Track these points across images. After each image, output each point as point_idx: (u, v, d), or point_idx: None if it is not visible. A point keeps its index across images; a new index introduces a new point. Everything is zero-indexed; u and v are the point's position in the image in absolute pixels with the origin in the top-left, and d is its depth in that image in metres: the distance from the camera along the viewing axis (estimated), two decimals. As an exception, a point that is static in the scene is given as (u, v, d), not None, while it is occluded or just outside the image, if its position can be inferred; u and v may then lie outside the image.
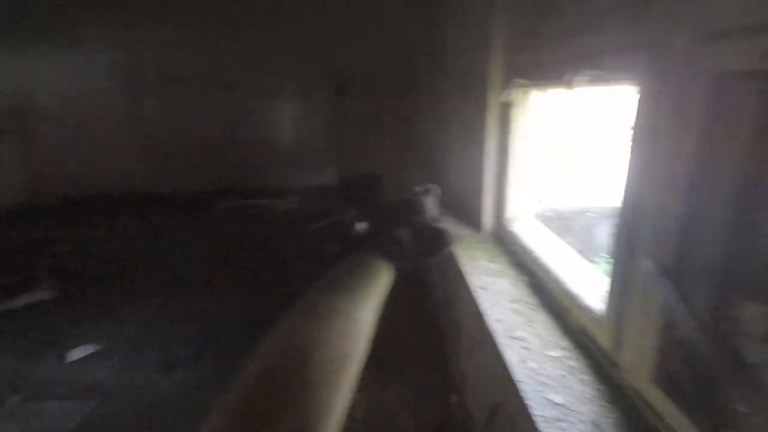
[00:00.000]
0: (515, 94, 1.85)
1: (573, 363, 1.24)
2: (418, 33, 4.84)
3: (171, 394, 2.67)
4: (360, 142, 6.03)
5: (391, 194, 5.47)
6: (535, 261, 1.67)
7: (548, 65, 1.42)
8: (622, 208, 1.07)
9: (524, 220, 2.02)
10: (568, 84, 1.13)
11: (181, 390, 2.71)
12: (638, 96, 0.97)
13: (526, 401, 1.12)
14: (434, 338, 3.02)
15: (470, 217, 2.47)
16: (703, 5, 0.79)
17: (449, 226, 2.46)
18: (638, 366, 1.03)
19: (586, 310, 1.30)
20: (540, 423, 1.04)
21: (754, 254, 0.83)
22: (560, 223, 4.81)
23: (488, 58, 1.94)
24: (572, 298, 1.38)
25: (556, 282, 1.49)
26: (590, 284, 1.39)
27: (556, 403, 1.10)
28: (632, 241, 1.04)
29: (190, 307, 3.65)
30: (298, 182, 6.21)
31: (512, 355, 1.30)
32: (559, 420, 1.04)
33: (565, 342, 1.34)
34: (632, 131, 0.99)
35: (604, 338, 1.18)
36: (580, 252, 1.71)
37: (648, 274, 0.94)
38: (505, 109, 1.94)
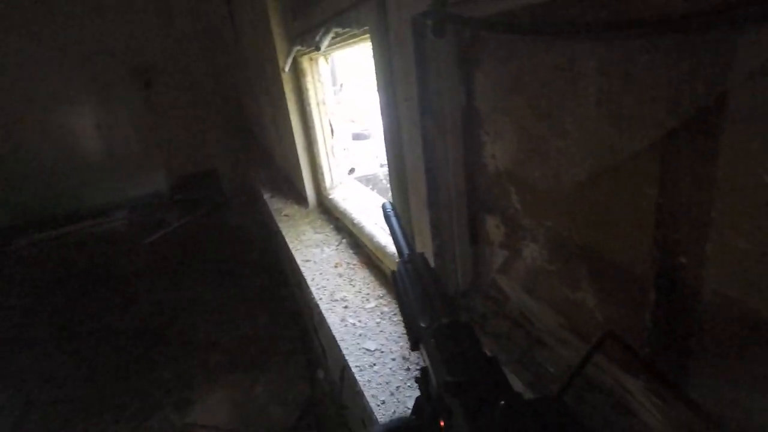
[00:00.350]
0: (302, 63, 1.84)
1: (386, 308, 1.31)
2: (222, 15, 4.54)
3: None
4: (184, 138, 5.51)
5: (229, 188, 5.19)
6: (352, 223, 1.73)
7: (311, 30, 1.42)
8: (386, 153, 1.13)
9: (341, 187, 2.07)
10: (317, 46, 1.15)
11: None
12: (372, 45, 1.01)
13: (347, 356, 1.17)
14: (294, 321, 3.00)
15: (298, 194, 2.45)
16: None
17: (280, 206, 2.42)
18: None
19: (392, 257, 1.38)
20: (357, 373, 1.09)
21: (481, 182, 0.95)
22: (375, 183, 5.08)
23: (270, 28, 1.89)
24: (383, 248, 1.45)
25: (368, 237, 1.55)
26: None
27: (371, 350, 1.16)
28: (401, 183, 1.12)
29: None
30: (121, 196, 5.48)
31: (334, 317, 1.34)
32: (373, 365, 1.10)
33: (381, 291, 1.42)
34: (375, 79, 1.04)
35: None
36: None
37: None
38: (298, 79, 1.92)
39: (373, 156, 7.02)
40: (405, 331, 1.14)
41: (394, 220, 0.85)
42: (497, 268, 0.95)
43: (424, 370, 0.65)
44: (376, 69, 1.05)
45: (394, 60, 0.98)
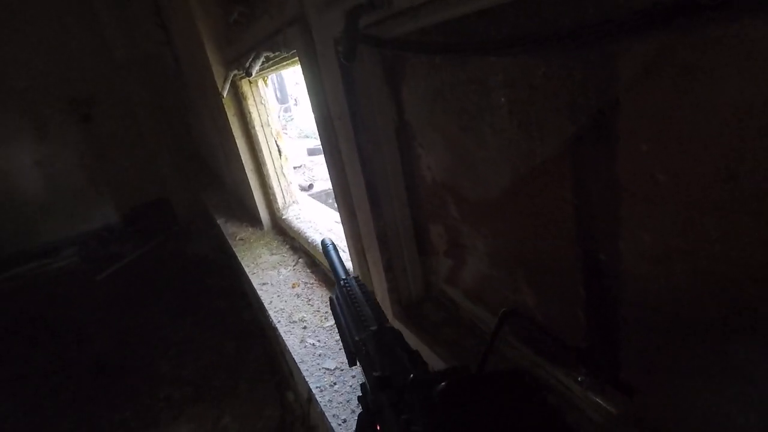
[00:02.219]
0: (242, 87, 1.83)
1: (344, 325, 1.31)
2: (159, 39, 4.44)
3: None
4: (131, 168, 5.32)
5: (182, 215, 5.04)
6: (307, 241, 1.72)
7: (245, 54, 1.42)
8: (330, 179, 1.14)
9: (294, 206, 2.06)
10: (248, 71, 1.15)
11: None
12: (302, 69, 1.02)
13: (307, 378, 1.16)
14: (260, 345, 2.94)
15: (252, 217, 2.42)
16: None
17: (235, 230, 2.38)
18: (385, 305, 1.14)
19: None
20: (317, 394, 1.08)
21: (421, 193, 0.97)
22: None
23: (206, 54, 1.86)
24: (337, 265, 1.45)
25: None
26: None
27: (331, 369, 1.15)
28: (347, 203, 1.13)
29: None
30: (69, 232, 5.22)
31: (293, 339, 1.32)
32: (333, 384, 1.10)
33: (340, 308, 1.41)
34: (310, 105, 1.05)
35: (361, 293, 1.27)
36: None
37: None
38: (239, 102, 1.91)
39: (324, 171, 6.98)
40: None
41: (331, 251, 0.88)
42: (444, 276, 0.97)
43: (363, 386, 0.66)
44: (308, 90, 1.06)
45: (324, 80, 0.99)
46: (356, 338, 0.65)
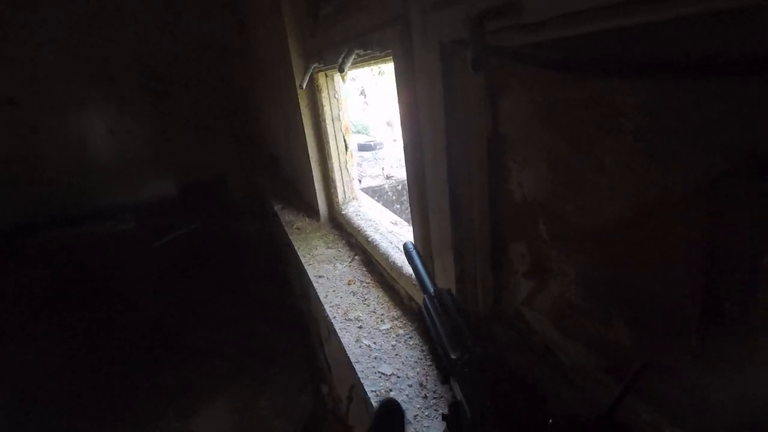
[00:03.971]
0: (318, 80, 1.84)
1: (401, 331, 1.29)
2: (232, 25, 4.59)
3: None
4: (194, 146, 5.54)
5: (237, 197, 5.20)
6: (366, 239, 1.71)
7: (333, 48, 1.42)
8: (407, 179, 1.12)
9: (353, 202, 2.06)
10: (341, 67, 1.14)
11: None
12: (395, 69, 1.01)
13: (362, 380, 1.14)
14: (299, 333, 2.98)
15: (309, 206, 2.45)
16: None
17: (291, 218, 2.42)
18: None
19: (408, 277, 1.36)
20: (373, 398, 1.07)
21: (506, 209, 0.93)
22: (393, 196, 5.07)
23: (287, 45, 1.89)
24: (398, 268, 1.44)
25: (383, 256, 1.54)
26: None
27: (387, 374, 1.13)
28: (422, 208, 1.11)
29: (6, 364, 3.04)
30: (131, 199, 5.51)
31: (349, 338, 1.32)
32: (389, 390, 1.08)
33: (396, 312, 1.40)
34: (397, 103, 1.04)
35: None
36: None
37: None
38: (313, 94, 1.92)
39: (379, 168, 7.00)
40: (431, 362, 1.12)
41: (416, 258, 0.86)
42: (522, 298, 0.94)
43: (454, 406, 0.63)
44: (398, 92, 1.04)
45: (418, 84, 0.97)
46: (453, 356, 0.62)
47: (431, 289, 0.79)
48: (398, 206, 4.70)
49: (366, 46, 1.13)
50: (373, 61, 1.22)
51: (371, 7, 1.10)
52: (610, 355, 0.74)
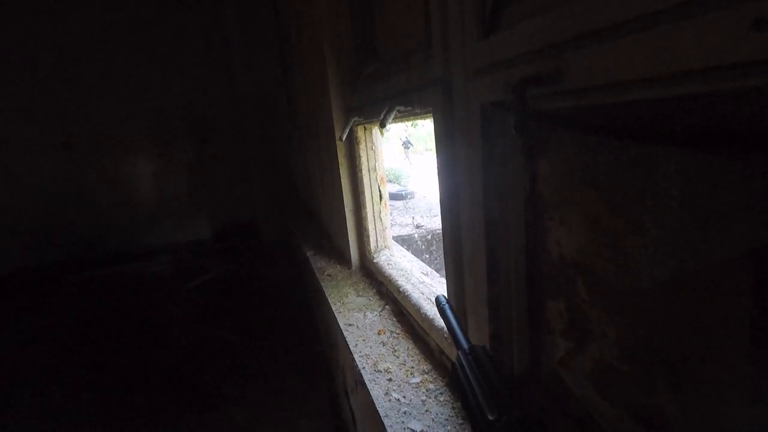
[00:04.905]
0: (357, 132, 1.93)
1: (432, 385, 1.27)
2: (276, 77, 4.87)
3: None
4: (229, 190, 5.78)
5: (268, 241, 5.31)
6: (397, 289, 1.72)
7: (373, 103, 1.50)
8: (443, 233, 1.14)
9: (385, 251, 2.08)
10: (383, 123, 1.20)
11: None
12: (435, 126, 1.05)
13: (390, 436, 1.12)
14: (325, 383, 2.93)
15: (340, 254, 2.48)
16: (464, 53, 0.90)
17: (323, 265, 2.45)
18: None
19: (439, 330, 1.35)
20: (402, 456, 1.04)
21: (544, 267, 0.93)
22: (439, 244, 5.06)
23: (329, 100, 2.00)
24: (429, 320, 1.43)
25: (414, 307, 1.53)
26: (442, 304, 1.46)
27: (416, 431, 1.10)
28: (457, 262, 1.12)
29: (37, 397, 3.10)
30: (167, 240, 5.72)
31: (378, 390, 1.30)
32: (419, 448, 1.05)
33: (427, 365, 1.38)
34: (436, 159, 1.07)
35: (454, 355, 1.23)
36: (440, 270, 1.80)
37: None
38: (351, 146, 2.00)
39: (409, 217, 7.04)
40: (463, 421, 1.09)
41: (449, 312, 0.87)
42: (559, 359, 0.91)
43: None
44: (437, 148, 1.08)
45: (457, 142, 1.01)
46: (490, 417, 0.62)
47: (465, 346, 0.79)
48: (427, 256, 4.69)
49: (407, 103, 1.20)
50: (412, 117, 1.27)
51: (412, 70, 1.17)
52: (652, 423, 0.71)
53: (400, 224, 6.63)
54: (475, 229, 0.98)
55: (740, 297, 0.54)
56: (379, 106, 1.36)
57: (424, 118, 1.21)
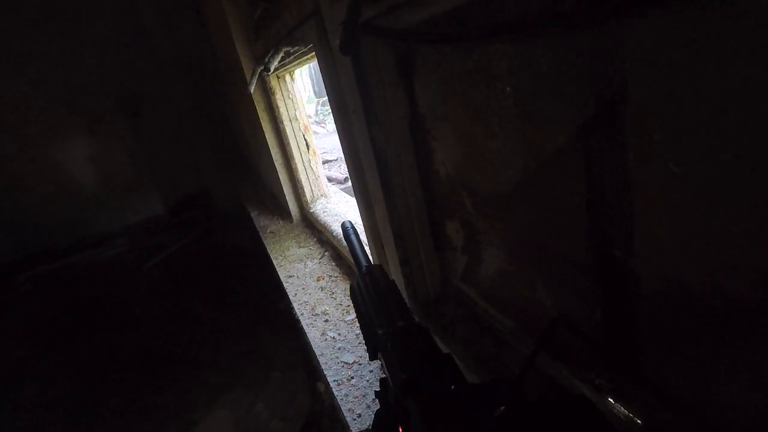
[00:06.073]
0: (270, 82, 1.85)
1: (365, 319, 1.31)
2: (198, 35, 4.56)
3: None
4: (175, 162, 5.54)
5: (222, 207, 5.21)
6: (332, 235, 1.73)
7: (268, 49, 1.42)
8: (348, 168, 1.13)
9: (322, 199, 2.07)
10: (267, 67, 1.15)
11: None
12: (318, 61, 1.02)
13: (325, 371, 1.16)
14: (293, 335, 2.99)
15: (282, 209, 2.46)
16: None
17: (266, 222, 2.43)
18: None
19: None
20: (335, 387, 1.09)
21: (437, 188, 0.94)
22: None
23: (235, 49, 1.89)
24: (360, 259, 1.44)
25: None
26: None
27: (349, 363, 1.15)
28: (364, 195, 1.12)
29: (10, 398, 3.08)
30: (119, 223, 5.52)
31: (315, 332, 1.34)
32: (351, 378, 1.10)
33: (362, 301, 1.41)
34: (327, 95, 1.05)
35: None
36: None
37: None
38: (268, 97, 1.93)
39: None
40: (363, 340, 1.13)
41: (352, 236, 0.87)
42: (462, 273, 0.95)
43: (383, 381, 0.65)
44: (325, 84, 1.05)
45: (339, 74, 0.98)
46: (380, 332, 0.63)
47: (363, 266, 0.80)
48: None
49: (293, 43, 1.14)
50: (304, 58, 1.22)
51: (291, 6, 1.10)
52: (535, 315, 0.76)
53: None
54: (369, 159, 0.98)
55: (576, 183, 0.56)
56: (268, 52, 1.30)
57: (312, 59, 1.16)
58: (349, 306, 1.40)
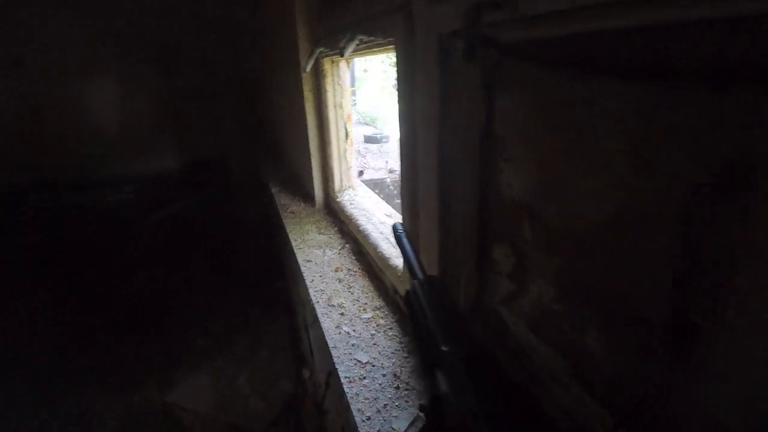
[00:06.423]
0: (324, 65, 1.83)
1: (382, 321, 1.30)
2: (248, 7, 4.55)
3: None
4: (198, 123, 5.52)
5: (236, 177, 5.19)
6: (357, 229, 1.71)
7: (335, 34, 1.41)
8: (401, 168, 1.12)
9: (349, 190, 2.06)
10: (341, 52, 1.14)
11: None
12: (396, 57, 1.00)
13: (337, 365, 1.15)
14: (286, 318, 2.98)
15: (305, 191, 2.44)
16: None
17: (287, 202, 2.41)
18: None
19: (394, 269, 1.36)
20: (346, 384, 1.07)
21: (494, 209, 0.93)
22: (394, 190, 5.05)
23: (295, 28, 1.88)
24: (384, 259, 1.44)
25: (373, 246, 1.54)
26: (399, 244, 1.47)
27: (363, 362, 1.14)
28: (412, 199, 1.11)
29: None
30: (131, 171, 5.49)
31: (329, 323, 1.32)
32: (363, 377, 1.09)
33: (379, 302, 1.40)
34: (397, 92, 1.03)
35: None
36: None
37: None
38: (318, 80, 1.92)
39: (383, 161, 6.96)
40: (408, 354, 1.12)
41: (405, 240, 0.86)
42: (501, 298, 0.94)
43: (435, 398, 0.63)
44: (398, 80, 1.04)
45: (417, 74, 0.97)
46: (443, 348, 0.62)
47: (421, 275, 0.79)
48: (398, 201, 4.70)
49: (369, 32, 1.13)
50: (377, 49, 1.21)
51: (377, -6, 1.09)
52: (579, 360, 0.75)
53: (373, 168, 6.57)
54: (429, 167, 0.97)
55: (669, 241, 0.55)
56: (342, 36, 1.28)
57: (387, 50, 1.15)
58: (366, 304, 1.39)
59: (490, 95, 0.86)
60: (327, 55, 1.75)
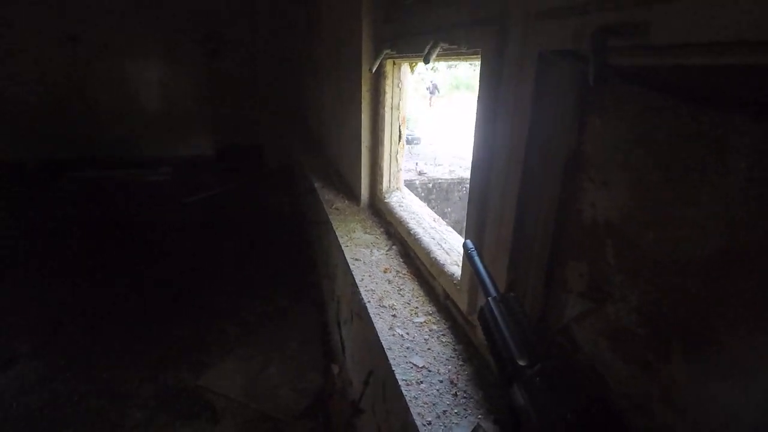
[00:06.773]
0: (386, 66, 1.85)
1: (435, 327, 1.31)
2: (302, 2, 4.62)
3: (8, 393, 2.33)
4: (237, 110, 5.63)
5: (271, 166, 5.27)
6: (407, 231, 1.72)
7: (410, 37, 1.42)
8: (471, 181, 1.12)
9: (396, 192, 2.07)
10: (426, 57, 1.15)
11: (19, 388, 2.37)
12: (481, 69, 1.01)
13: (393, 367, 1.16)
14: (316, 311, 3.02)
15: (349, 189, 2.47)
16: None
17: (331, 198, 2.44)
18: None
19: (448, 276, 1.37)
20: (403, 387, 1.09)
21: (570, 227, 0.93)
22: (439, 193, 5.06)
23: (360, 27, 1.90)
24: (437, 265, 1.45)
25: (424, 251, 1.55)
26: (453, 251, 1.48)
27: (419, 366, 1.15)
28: (481, 212, 1.11)
29: (33, 292, 3.19)
30: (169, 153, 5.64)
31: (382, 324, 1.34)
32: (420, 382, 1.10)
33: (430, 307, 1.42)
34: (476, 104, 1.04)
35: (461, 301, 1.26)
36: (458, 221, 1.81)
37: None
38: (377, 80, 1.93)
39: (413, 162, 6.97)
40: (464, 361, 1.13)
41: (477, 259, 0.88)
42: (573, 316, 0.94)
43: (513, 411, 0.65)
44: (480, 93, 1.04)
45: (502, 88, 0.97)
46: (521, 363, 0.63)
47: (495, 293, 0.81)
48: (425, 204, 4.71)
49: (452, 41, 1.14)
50: (455, 57, 1.22)
51: (462, 3, 1.10)
52: (663, 386, 0.74)
53: (407, 169, 6.58)
54: (509, 180, 0.97)
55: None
56: (419, 41, 1.29)
57: (469, 59, 1.15)
58: (417, 308, 1.40)
59: (583, 115, 0.86)
60: (391, 57, 1.76)
